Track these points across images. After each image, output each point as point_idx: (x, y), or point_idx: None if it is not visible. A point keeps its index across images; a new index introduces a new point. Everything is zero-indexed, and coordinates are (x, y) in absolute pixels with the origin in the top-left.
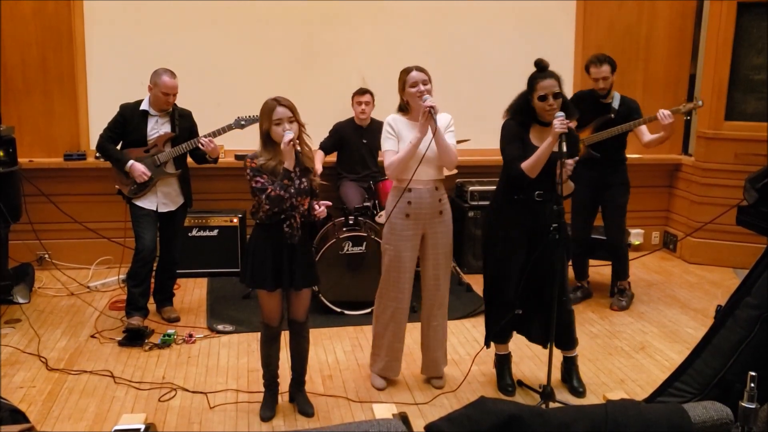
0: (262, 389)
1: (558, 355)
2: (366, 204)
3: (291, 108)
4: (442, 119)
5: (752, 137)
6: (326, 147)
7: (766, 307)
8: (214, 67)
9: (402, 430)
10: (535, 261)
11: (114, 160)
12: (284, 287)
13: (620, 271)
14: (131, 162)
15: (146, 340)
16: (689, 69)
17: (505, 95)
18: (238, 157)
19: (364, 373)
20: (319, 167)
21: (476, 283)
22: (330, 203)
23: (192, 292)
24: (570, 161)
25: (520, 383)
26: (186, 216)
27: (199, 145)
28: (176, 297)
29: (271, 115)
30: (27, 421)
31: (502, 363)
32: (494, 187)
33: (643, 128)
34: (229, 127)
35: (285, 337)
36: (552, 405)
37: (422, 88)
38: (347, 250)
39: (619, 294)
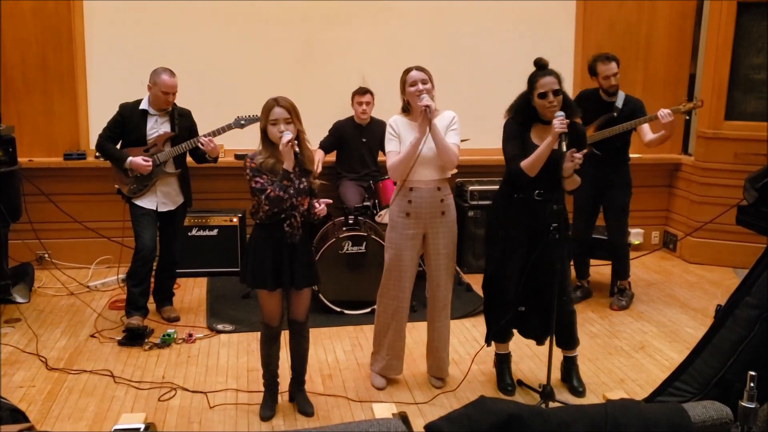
0: (262, 389)
1: (558, 354)
2: (366, 203)
3: (289, 110)
4: (445, 117)
5: (752, 137)
6: (326, 146)
7: (765, 306)
8: (214, 67)
9: (402, 429)
10: (534, 260)
11: (113, 159)
12: (284, 287)
13: (620, 271)
14: (130, 158)
15: (146, 340)
16: (689, 68)
17: (505, 95)
18: (237, 157)
19: (364, 372)
20: (318, 167)
21: (476, 282)
22: (330, 201)
23: (192, 291)
24: (578, 154)
25: (520, 383)
26: (186, 215)
27: (199, 145)
28: (176, 296)
29: (268, 115)
30: (27, 420)
31: (502, 362)
32: (494, 187)
33: (645, 127)
34: (229, 127)
35: (285, 336)
36: (552, 404)
37: (421, 87)
38: (347, 249)
39: (619, 293)
